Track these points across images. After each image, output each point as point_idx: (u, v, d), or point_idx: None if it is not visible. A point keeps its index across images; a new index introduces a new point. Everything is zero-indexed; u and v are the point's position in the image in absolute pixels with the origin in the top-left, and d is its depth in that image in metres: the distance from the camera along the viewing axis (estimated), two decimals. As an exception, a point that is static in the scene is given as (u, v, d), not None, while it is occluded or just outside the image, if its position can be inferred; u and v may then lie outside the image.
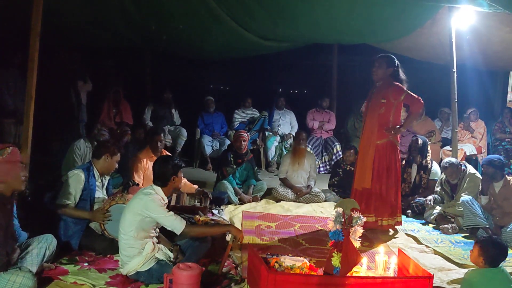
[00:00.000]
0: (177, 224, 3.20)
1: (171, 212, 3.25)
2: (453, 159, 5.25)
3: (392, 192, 4.68)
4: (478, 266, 3.01)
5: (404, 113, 7.59)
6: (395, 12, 5.55)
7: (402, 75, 4.65)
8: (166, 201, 3.37)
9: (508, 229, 4.45)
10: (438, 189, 5.35)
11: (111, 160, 3.95)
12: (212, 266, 3.57)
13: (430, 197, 5.27)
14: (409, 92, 4.58)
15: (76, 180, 3.75)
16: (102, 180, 4.05)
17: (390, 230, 4.77)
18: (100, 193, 3.99)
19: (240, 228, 4.54)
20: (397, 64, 4.65)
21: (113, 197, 3.81)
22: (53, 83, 6.45)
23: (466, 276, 2.98)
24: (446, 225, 4.88)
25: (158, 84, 8.58)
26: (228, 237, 3.71)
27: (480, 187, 4.91)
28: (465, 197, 4.84)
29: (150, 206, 3.18)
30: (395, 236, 4.71)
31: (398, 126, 4.62)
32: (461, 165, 5.18)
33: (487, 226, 4.62)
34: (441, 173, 5.39)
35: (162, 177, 3.32)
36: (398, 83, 4.60)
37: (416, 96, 4.59)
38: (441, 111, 7.91)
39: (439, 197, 5.30)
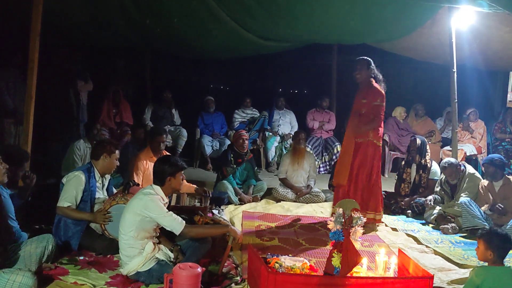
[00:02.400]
0: (176, 225, 3.20)
1: (171, 212, 3.24)
2: (452, 160, 5.26)
3: (365, 188, 4.77)
4: (488, 261, 2.96)
5: (403, 113, 7.69)
6: (395, 12, 5.55)
7: (379, 75, 4.83)
8: (166, 200, 3.37)
9: (508, 226, 4.45)
10: (438, 189, 5.35)
11: (110, 159, 3.93)
12: (212, 266, 3.57)
13: (430, 197, 5.27)
14: (383, 104, 4.74)
15: (76, 181, 3.74)
16: (102, 181, 4.04)
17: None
18: (100, 194, 3.97)
19: (240, 228, 4.55)
20: (373, 65, 4.84)
21: (114, 197, 3.80)
22: (53, 83, 6.46)
23: (472, 273, 2.92)
24: (446, 225, 4.88)
25: (158, 84, 8.58)
26: (228, 238, 3.71)
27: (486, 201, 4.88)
28: (462, 199, 4.84)
29: (149, 206, 3.18)
30: (377, 230, 4.82)
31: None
32: (460, 165, 5.18)
33: (487, 226, 4.62)
34: (441, 173, 5.40)
35: (159, 176, 3.32)
36: (378, 87, 4.76)
37: (380, 116, 4.75)
38: (449, 112, 7.84)
39: (439, 197, 5.30)
